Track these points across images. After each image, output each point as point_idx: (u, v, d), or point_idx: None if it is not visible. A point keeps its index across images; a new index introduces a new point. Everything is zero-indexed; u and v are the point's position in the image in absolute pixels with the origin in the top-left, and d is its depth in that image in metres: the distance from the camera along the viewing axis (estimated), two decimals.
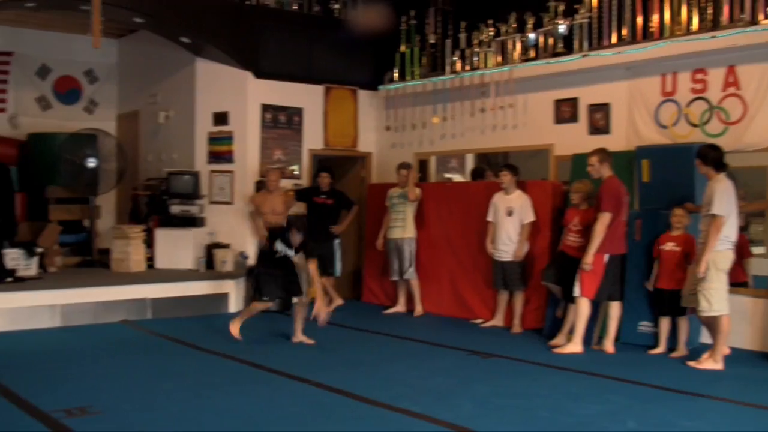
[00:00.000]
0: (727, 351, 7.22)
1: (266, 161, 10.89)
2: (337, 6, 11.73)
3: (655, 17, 8.70)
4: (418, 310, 10.03)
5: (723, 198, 6.91)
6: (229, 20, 10.72)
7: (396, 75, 11.45)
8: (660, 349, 7.74)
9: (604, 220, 7.54)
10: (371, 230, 10.85)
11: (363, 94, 11.90)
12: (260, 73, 10.89)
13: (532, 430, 5.31)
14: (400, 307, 10.31)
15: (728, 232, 6.96)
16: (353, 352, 7.74)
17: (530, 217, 8.91)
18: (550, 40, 9.64)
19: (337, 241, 10.29)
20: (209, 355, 7.58)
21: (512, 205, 8.95)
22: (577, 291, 7.68)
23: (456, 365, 7.18)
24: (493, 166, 10.93)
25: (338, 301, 10.38)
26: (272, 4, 11.25)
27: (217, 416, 5.50)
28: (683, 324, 7.66)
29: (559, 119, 9.74)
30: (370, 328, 9.01)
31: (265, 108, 10.94)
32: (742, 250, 7.26)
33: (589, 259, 7.56)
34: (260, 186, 10.55)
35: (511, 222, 8.94)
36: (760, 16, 7.84)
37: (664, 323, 7.78)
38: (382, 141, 11.94)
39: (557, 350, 7.76)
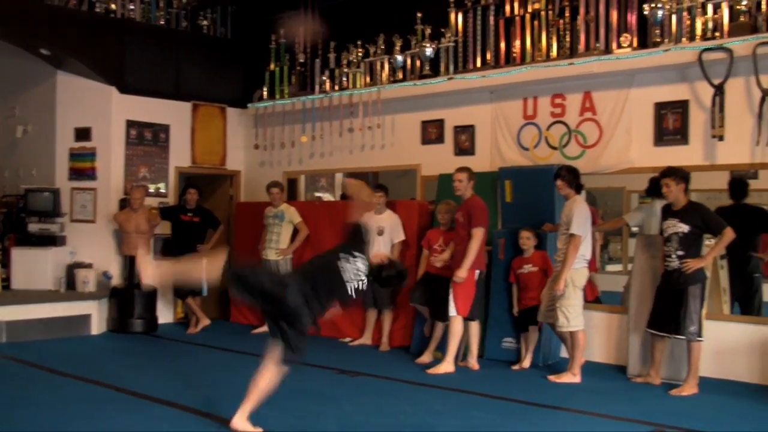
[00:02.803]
0: (582, 361, 7.49)
1: (131, 178, 10.61)
2: (205, 22, 11.61)
3: (517, 43, 9.03)
4: None
5: (581, 218, 7.20)
6: (93, 33, 10.38)
7: (265, 93, 11.39)
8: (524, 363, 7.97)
9: (479, 234, 7.61)
10: (239, 249, 10.73)
11: (231, 112, 11.78)
12: (125, 89, 10.61)
13: None
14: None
15: (584, 251, 7.26)
16: (220, 374, 7.61)
17: (401, 237, 9.02)
18: (418, 63, 9.83)
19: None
20: (69, 379, 7.30)
21: (383, 225, 9.03)
22: (453, 310, 7.68)
23: (323, 384, 7.16)
24: None
25: (205, 322, 10.19)
26: (138, 18, 11.01)
27: None
28: (533, 336, 7.97)
29: (426, 140, 9.92)
30: (238, 348, 8.86)
31: (130, 124, 10.67)
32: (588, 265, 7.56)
33: (463, 272, 7.56)
34: (124, 204, 10.27)
35: (381, 241, 8.99)
36: (614, 46, 8.26)
37: (524, 338, 8.04)
38: (250, 159, 11.85)
39: (431, 371, 7.71)
